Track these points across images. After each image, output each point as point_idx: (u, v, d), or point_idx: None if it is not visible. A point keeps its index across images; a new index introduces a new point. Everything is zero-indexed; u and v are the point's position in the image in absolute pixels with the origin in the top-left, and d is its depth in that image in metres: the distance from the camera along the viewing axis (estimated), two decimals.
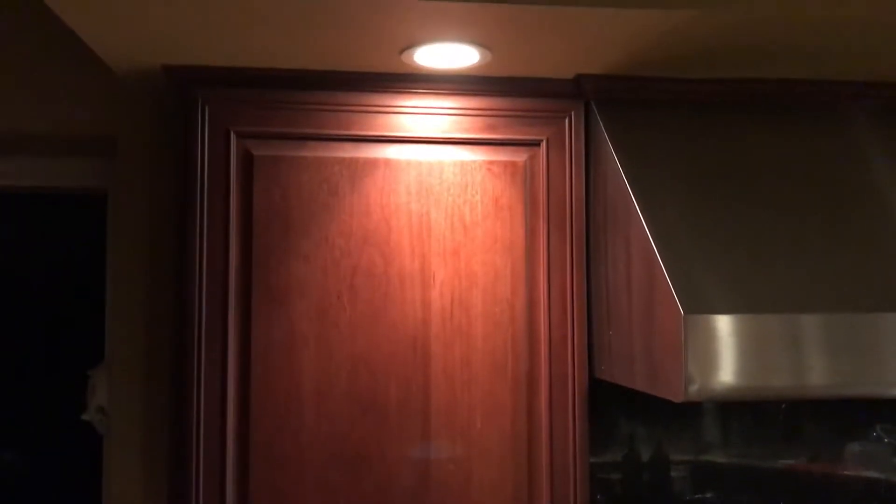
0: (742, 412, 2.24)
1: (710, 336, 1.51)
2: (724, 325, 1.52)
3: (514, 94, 1.90)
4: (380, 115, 1.87)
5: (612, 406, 2.12)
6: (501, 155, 1.91)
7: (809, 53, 1.77)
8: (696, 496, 2.20)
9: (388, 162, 1.87)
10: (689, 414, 2.22)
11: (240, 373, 1.80)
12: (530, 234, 1.90)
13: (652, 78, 1.88)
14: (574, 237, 1.90)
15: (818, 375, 1.56)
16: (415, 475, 1.82)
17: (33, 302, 3.59)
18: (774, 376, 1.56)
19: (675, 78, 1.88)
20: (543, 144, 1.91)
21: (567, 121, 1.92)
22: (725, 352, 1.52)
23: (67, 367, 2.67)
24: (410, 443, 1.83)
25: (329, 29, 1.62)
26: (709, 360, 1.51)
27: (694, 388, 1.50)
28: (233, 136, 1.83)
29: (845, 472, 2.25)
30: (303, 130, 1.85)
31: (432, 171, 1.88)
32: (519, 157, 1.91)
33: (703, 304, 1.54)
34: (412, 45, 1.70)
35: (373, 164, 1.87)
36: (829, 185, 1.85)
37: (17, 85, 2.11)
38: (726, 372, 1.52)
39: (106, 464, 2.23)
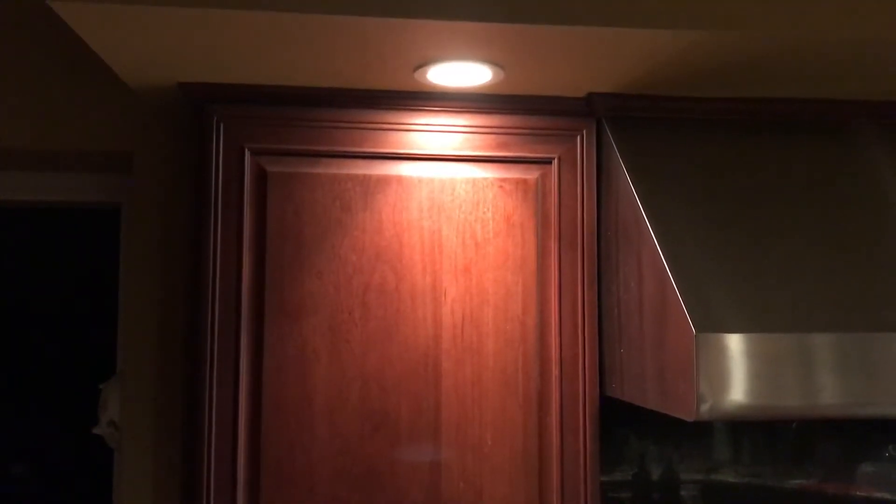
0: (753, 431, 2.23)
1: (721, 355, 1.51)
2: (735, 343, 1.52)
3: (526, 112, 1.91)
4: (393, 132, 1.88)
5: (622, 424, 2.12)
6: (513, 172, 1.92)
7: (821, 73, 1.77)
8: None
9: (400, 179, 1.88)
10: (700, 433, 2.21)
11: (251, 388, 1.81)
12: (542, 251, 1.90)
13: (664, 96, 1.89)
14: (585, 255, 1.91)
15: (830, 395, 1.56)
16: (425, 492, 1.82)
17: (45, 315, 3.60)
18: (786, 395, 1.55)
19: (687, 97, 1.89)
20: (555, 162, 1.92)
21: (579, 139, 1.93)
22: (737, 371, 1.52)
23: (79, 380, 2.67)
24: (421, 460, 1.83)
25: (344, 47, 1.64)
26: (720, 379, 1.51)
27: (706, 407, 1.49)
28: (247, 153, 1.84)
29: (857, 493, 2.24)
30: (316, 147, 1.86)
31: (444, 188, 1.89)
32: (531, 174, 1.92)
33: (714, 322, 1.54)
34: (426, 63, 1.71)
35: (385, 181, 1.88)
36: (841, 205, 1.85)
37: (33, 101, 2.13)
38: (738, 391, 1.52)
39: (117, 478, 2.24)
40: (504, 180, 1.91)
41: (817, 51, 1.66)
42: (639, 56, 1.68)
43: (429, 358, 1.85)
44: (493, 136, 1.91)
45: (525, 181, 1.92)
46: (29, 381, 3.56)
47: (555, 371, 1.88)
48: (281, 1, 1.48)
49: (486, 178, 1.90)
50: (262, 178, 1.85)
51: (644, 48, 1.64)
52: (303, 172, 1.85)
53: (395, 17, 1.51)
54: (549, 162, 1.92)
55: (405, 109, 1.88)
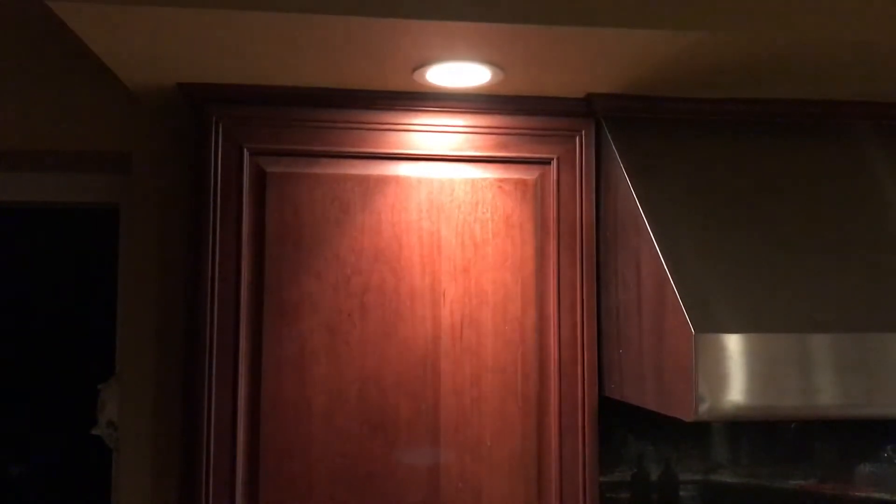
0: (752, 432, 2.23)
1: (720, 355, 1.51)
2: (734, 344, 1.52)
3: (525, 113, 1.91)
4: (392, 132, 1.88)
5: (621, 425, 2.12)
6: (512, 173, 1.92)
7: (820, 73, 1.78)
8: None
9: (399, 179, 1.88)
10: (699, 433, 2.21)
11: (250, 389, 1.80)
12: (540, 252, 1.90)
13: (663, 97, 1.89)
14: (584, 255, 1.91)
15: (828, 395, 1.56)
16: (424, 493, 1.82)
17: (44, 315, 3.60)
18: (784, 396, 1.56)
19: (686, 97, 1.89)
20: (554, 163, 1.92)
21: (578, 139, 1.93)
22: (736, 371, 1.52)
23: (77, 380, 2.67)
24: (420, 461, 1.83)
25: (343, 48, 1.64)
26: (719, 380, 1.51)
27: (704, 408, 1.49)
28: (246, 153, 1.84)
29: (856, 493, 2.24)
30: (315, 148, 1.86)
31: (443, 188, 1.89)
32: (530, 175, 1.92)
33: (713, 323, 1.54)
34: (425, 63, 1.71)
35: (384, 181, 1.88)
36: (839, 205, 1.85)
37: (32, 101, 2.13)
38: (736, 391, 1.52)
39: (115, 479, 2.24)
40: (503, 181, 1.91)
41: (816, 51, 1.66)
42: (638, 57, 1.68)
43: (427, 359, 1.85)
44: (492, 137, 1.91)
45: (524, 182, 1.92)
46: (27, 381, 3.56)
47: (553, 371, 1.88)
48: (280, 1, 1.48)
49: (485, 179, 1.90)
50: (260, 178, 1.85)
51: (643, 49, 1.64)
52: (302, 173, 1.85)
53: (395, 18, 1.51)
54: (548, 162, 1.92)
55: (404, 110, 1.88)
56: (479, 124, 1.90)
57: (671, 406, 1.59)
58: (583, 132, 1.93)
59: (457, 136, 1.90)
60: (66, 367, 3.46)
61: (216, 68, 1.75)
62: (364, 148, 1.87)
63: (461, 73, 1.75)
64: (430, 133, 1.89)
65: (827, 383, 1.56)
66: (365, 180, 1.87)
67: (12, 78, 2.13)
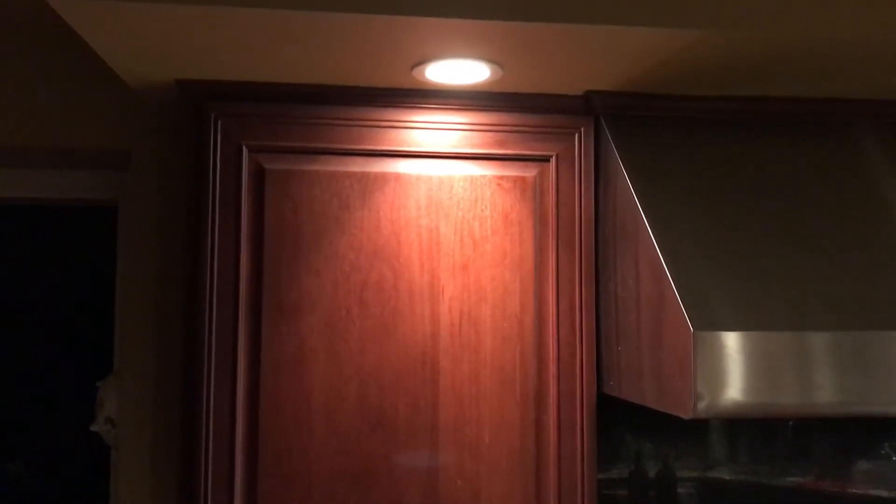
0: (749, 429, 2.24)
1: (719, 353, 1.52)
2: (732, 342, 1.52)
3: (524, 110, 1.91)
4: (391, 129, 1.88)
5: (619, 422, 2.12)
6: (511, 170, 1.92)
7: (820, 72, 1.78)
8: None
9: (398, 176, 1.88)
10: (697, 430, 2.21)
11: (249, 386, 1.81)
12: (539, 249, 1.90)
13: (662, 95, 1.89)
14: (583, 252, 1.91)
15: (826, 393, 1.56)
16: (423, 491, 1.82)
17: (43, 313, 3.60)
18: (782, 393, 1.56)
19: (685, 95, 1.89)
20: (553, 160, 1.92)
21: (577, 137, 1.93)
22: (734, 369, 1.52)
23: (76, 377, 2.67)
24: (418, 458, 1.83)
25: (342, 45, 1.63)
26: (717, 377, 1.51)
27: (703, 405, 1.50)
28: (245, 150, 1.84)
29: (853, 490, 2.24)
30: (314, 145, 1.86)
31: (442, 185, 1.89)
32: (529, 172, 1.92)
33: (712, 320, 1.54)
34: (424, 60, 1.71)
35: (383, 178, 1.88)
36: (838, 204, 1.85)
37: (31, 98, 2.12)
38: (735, 389, 1.53)
39: (114, 476, 2.23)
40: (502, 178, 1.91)
41: (816, 50, 1.66)
42: (637, 54, 1.68)
43: (426, 356, 1.85)
44: (491, 134, 1.91)
45: (523, 179, 1.92)
46: (26, 378, 3.56)
47: (552, 369, 1.88)
48: None
49: (484, 176, 1.91)
50: (259, 175, 1.84)
51: (642, 46, 1.64)
52: (301, 170, 1.85)
53: (393, 15, 1.51)
54: (547, 160, 1.92)
55: (403, 107, 1.88)
56: (478, 121, 1.90)
57: (670, 403, 1.59)
58: (582, 130, 1.93)
59: (456, 134, 1.90)
60: (64, 363, 3.46)
61: (215, 65, 1.75)
62: (363, 145, 1.87)
63: (460, 71, 1.75)
64: (429, 130, 1.89)
65: (825, 381, 1.57)
66: (364, 177, 1.87)
67: (12, 75, 2.12)
